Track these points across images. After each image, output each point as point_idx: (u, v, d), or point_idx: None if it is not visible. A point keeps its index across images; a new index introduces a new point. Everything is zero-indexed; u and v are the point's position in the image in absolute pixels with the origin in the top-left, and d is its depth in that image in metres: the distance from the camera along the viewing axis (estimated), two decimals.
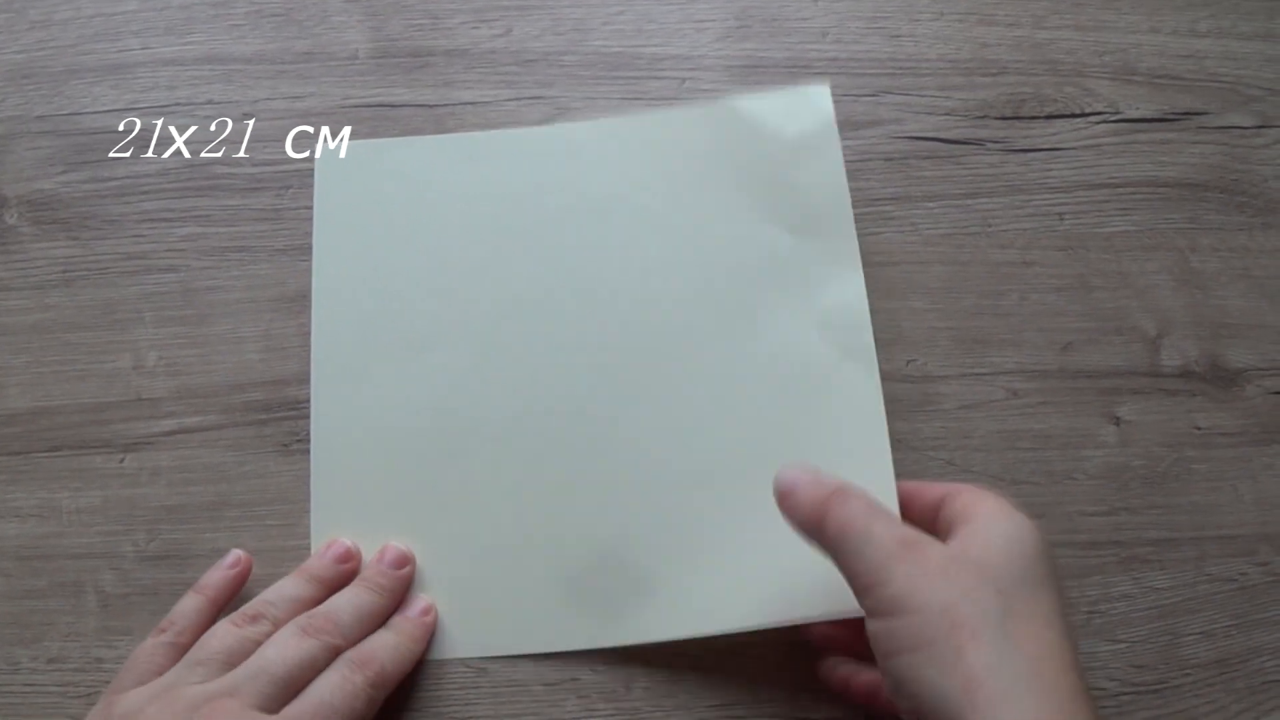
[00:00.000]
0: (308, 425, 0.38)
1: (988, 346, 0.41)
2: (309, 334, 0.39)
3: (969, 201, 0.42)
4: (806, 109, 0.38)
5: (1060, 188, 0.43)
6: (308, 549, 0.36)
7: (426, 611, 0.36)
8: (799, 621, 0.34)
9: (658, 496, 0.36)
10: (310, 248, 0.40)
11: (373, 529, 0.36)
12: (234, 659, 0.32)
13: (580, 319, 0.38)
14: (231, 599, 0.35)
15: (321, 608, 0.34)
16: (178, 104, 0.43)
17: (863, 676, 0.34)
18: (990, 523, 0.30)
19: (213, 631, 0.33)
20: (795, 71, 0.44)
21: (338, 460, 0.37)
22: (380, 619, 0.35)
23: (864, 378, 0.36)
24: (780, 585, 0.34)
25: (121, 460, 0.38)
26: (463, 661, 0.36)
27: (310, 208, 0.41)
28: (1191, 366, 0.41)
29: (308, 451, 0.38)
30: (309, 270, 0.40)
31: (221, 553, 0.36)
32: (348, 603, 0.34)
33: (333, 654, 0.33)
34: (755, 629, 0.34)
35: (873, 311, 0.40)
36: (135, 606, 0.36)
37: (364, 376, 0.37)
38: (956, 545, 0.29)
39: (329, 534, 0.36)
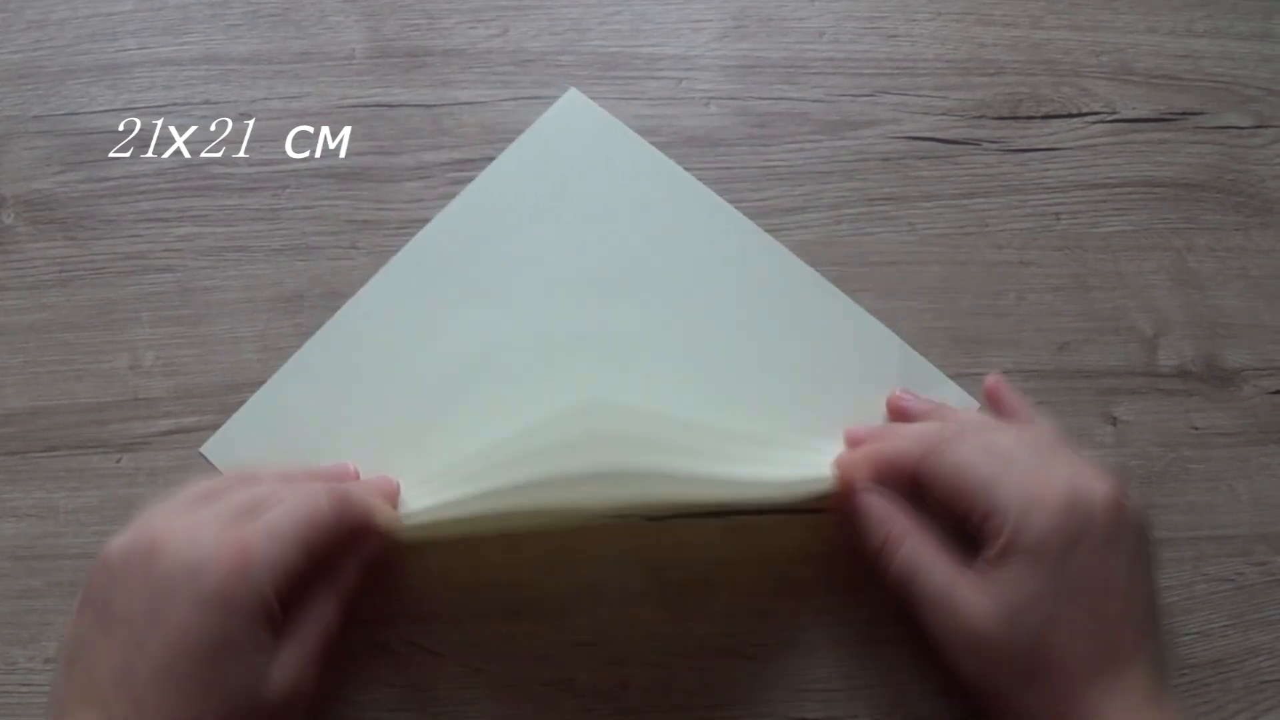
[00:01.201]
0: None
1: (985, 346, 0.41)
2: (306, 334, 0.39)
3: (966, 201, 0.42)
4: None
5: (1057, 188, 0.43)
6: None
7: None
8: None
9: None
10: (305, 248, 0.41)
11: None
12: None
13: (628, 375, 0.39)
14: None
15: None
16: (174, 104, 0.43)
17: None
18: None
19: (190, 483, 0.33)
20: (793, 71, 0.44)
21: (332, 353, 0.39)
22: None
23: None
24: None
25: (119, 460, 0.38)
26: (459, 661, 0.36)
27: (307, 207, 0.41)
28: (1188, 366, 0.41)
29: None
30: (305, 270, 0.40)
31: None
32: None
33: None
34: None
35: (871, 311, 0.40)
36: None
37: (427, 295, 0.40)
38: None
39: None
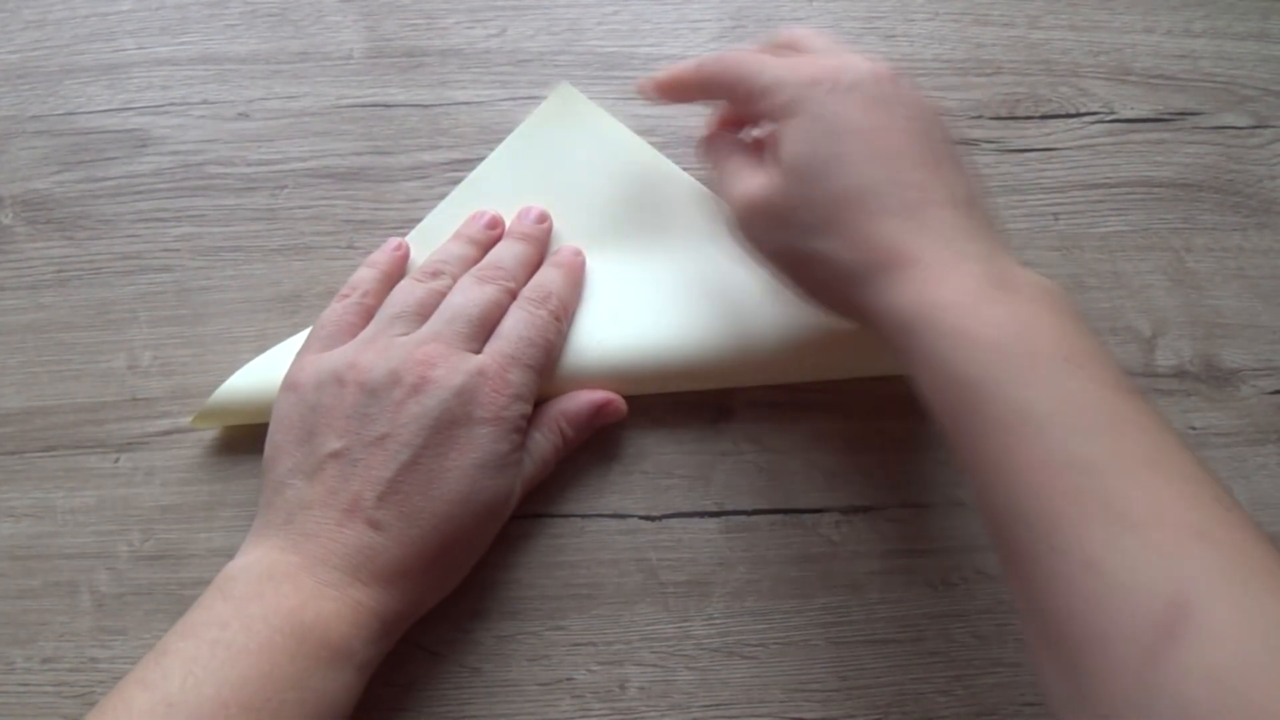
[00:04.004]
0: None
1: None
2: (305, 335, 0.39)
3: None
4: None
5: (1055, 188, 0.43)
6: None
7: (577, 252, 0.39)
8: None
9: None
10: (303, 248, 0.41)
11: None
12: (426, 310, 0.35)
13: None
14: (399, 275, 0.38)
15: (487, 259, 0.38)
16: (172, 104, 0.43)
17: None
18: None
19: (399, 288, 0.36)
20: None
21: None
22: (536, 265, 0.39)
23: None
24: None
25: (116, 460, 0.38)
26: (458, 661, 0.36)
27: (304, 207, 0.41)
28: (1186, 367, 0.41)
29: None
30: (303, 270, 0.40)
31: (216, 552, 0.36)
32: (507, 252, 0.38)
33: (510, 296, 0.36)
34: None
35: None
36: (130, 606, 0.36)
37: None
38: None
39: None
